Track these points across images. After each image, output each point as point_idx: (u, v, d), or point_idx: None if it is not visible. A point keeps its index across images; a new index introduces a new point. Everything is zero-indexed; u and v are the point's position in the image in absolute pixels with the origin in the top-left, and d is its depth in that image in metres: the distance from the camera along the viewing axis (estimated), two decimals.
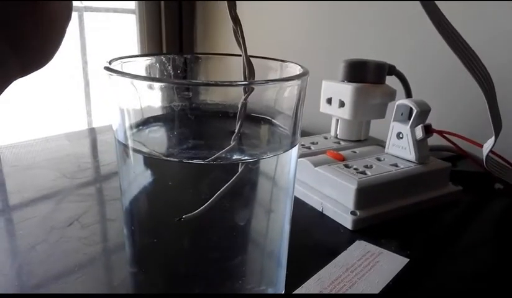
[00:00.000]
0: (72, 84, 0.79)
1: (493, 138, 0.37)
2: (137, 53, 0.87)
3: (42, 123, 0.72)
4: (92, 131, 0.65)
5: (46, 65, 0.16)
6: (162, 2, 0.84)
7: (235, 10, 0.17)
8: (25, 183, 0.42)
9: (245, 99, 0.16)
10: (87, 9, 0.79)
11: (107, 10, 0.83)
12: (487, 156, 0.37)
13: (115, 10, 0.84)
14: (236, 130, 0.17)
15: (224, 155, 0.17)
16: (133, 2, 0.84)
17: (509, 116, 0.44)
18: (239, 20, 0.17)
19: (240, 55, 0.20)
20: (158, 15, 0.85)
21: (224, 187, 0.16)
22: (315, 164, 0.39)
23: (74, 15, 0.74)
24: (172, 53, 0.21)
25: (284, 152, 0.18)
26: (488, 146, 0.38)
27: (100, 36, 0.82)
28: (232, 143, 0.17)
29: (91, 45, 0.81)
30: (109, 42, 0.84)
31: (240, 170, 0.16)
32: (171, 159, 0.17)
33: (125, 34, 0.86)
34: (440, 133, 0.41)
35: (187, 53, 0.21)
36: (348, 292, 0.27)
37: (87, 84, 0.81)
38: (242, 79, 0.17)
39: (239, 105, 0.16)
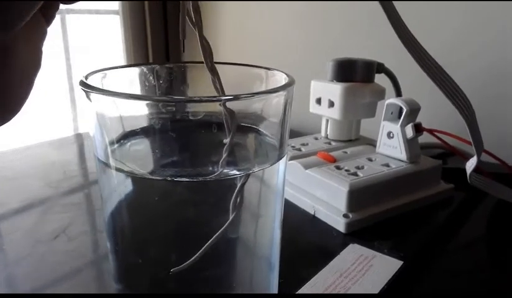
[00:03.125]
0: (56, 89, 0.78)
1: (475, 157, 0.37)
2: (122, 54, 0.85)
3: (26, 130, 0.71)
4: (78, 137, 0.64)
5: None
6: (146, 2, 0.83)
7: (211, 61, 0.16)
8: (9, 193, 0.41)
9: (231, 139, 0.15)
10: (69, 11, 0.77)
11: (90, 11, 0.81)
12: (470, 173, 0.38)
13: (98, 12, 0.82)
14: (224, 155, 0.16)
15: (210, 169, 0.17)
16: (117, 2, 0.83)
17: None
18: (216, 70, 0.16)
19: (226, 63, 0.20)
20: (142, 15, 0.84)
21: (217, 234, 0.16)
22: (306, 167, 0.39)
23: (57, 17, 0.73)
24: (155, 63, 0.20)
25: (271, 165, 0.17)
26: (470, 165, 0.38)
27: (84, 38, 0.80)
28: (220, 170, 0.16)
29: (74, 47, 0.79)
30: (93, 44, 0.83)
31: (231, 217, 0.16)
32: (154, 177, 0.16)
33: (109, 35, 0.85)
34: (430, 131, 0.41)
35: (173, 59, 0.20)
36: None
37: (71, 89, 0.79)
38: (228, 96, 0.16)
39: (225, 146, 0.16)
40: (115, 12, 0.84)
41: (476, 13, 0.50)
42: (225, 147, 0.16)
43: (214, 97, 0.15)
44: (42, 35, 0.15)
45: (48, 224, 0.35)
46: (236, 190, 0.16)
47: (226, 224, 0.16)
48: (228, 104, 0.15)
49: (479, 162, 0.38)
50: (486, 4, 0.49)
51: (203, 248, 0.16)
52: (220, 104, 0.15)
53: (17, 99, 0.14)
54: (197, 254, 0.16)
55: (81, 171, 0.48)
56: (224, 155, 0.16)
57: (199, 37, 0.16)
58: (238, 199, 0.16)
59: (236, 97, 0.15)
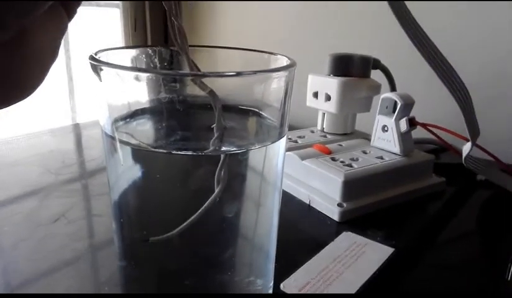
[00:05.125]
0: (55, 80, 0.78)
1: (470, 143, 0.38)
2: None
3: (25, 119, 0.71)
4: (76, 127, 0.64)
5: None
6: None
7: (184, 42, 0.17)
8: (9, 180, 0.42)
9: (219, 118, 0.16)
10: None
11: (90, 4, 0.81)
12: (466, 156, 0.39)
13: (98, 4, 0.82)
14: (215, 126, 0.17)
15: (213, 147, 0.17)
16: None
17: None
18: (187, 52, 0.18)
19: (231, 48, 0.20)
20: (142, 8, 0.84)
21: (199, 211, 0.16)
22: (303, 158, 0.39)
23: None
24: (158, 46, 0.21)
25: (272, 143, 0.18)
26: (466, 148, 0.39)
27: (83, 30, 0.81)
28: (211, 148, 0.17)
29: (74, 39, 0.79)
30: (93, 36, 0.83)
31: (215, 192, 0.16)
32: (159, 150, 0.17)
33: (109, 28, 0.85)
34: (424, 125, 0.42)
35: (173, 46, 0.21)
36: (335, 282, 0.27)
37: (70, 79, 0.79)
38: (230, 72, 0.17)
39: (214, 126, 0.16)
40: (115, 5, 0.84)
41: (473, 12, 0.51)
42: (215, 127, 0.16)
43: (217, 73, 0.16)
44: (63, 29, 0.15)
45: (48, 208, 0.36)
46: (220, 164, 0.16)
47: (208, 201, 0.17)
48: (231, 82, 0.16)
49: (472, 148, 0.38)
50: (483, 4, 0.50)
51: (185, 223, 0.16)
52: (192, 80, 0.16)
53: (32, 81, 0.15)
54: (177, 229, 0.16)
55: (79, 159, 0.49)
56: (216, 134, 0.17)
57: (168, 16, 0.17)
58: (223, 173, 0.16)
59: (239, 74, 0.15)
